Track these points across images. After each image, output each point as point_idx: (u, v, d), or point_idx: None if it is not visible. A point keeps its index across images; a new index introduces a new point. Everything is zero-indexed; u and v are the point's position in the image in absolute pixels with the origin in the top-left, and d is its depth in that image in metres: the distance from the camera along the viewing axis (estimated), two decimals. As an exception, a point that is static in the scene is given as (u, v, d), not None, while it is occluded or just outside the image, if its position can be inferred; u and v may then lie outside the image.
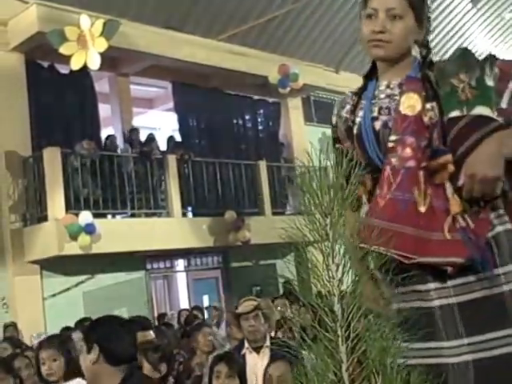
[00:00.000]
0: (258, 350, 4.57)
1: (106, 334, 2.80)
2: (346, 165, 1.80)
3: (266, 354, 4.49)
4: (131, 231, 9.93)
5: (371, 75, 2.27)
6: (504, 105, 2.06)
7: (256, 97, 14.11)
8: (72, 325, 7.66)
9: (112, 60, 11.02)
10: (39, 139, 10.13)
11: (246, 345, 4.64)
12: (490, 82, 2.08)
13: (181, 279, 12.22)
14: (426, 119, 2.05)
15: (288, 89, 12.94)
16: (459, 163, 1.99)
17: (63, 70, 10.44)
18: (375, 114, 2.16)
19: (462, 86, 2.07)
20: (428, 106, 2.07)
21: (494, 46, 16.92)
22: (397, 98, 2.13)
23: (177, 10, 12.22)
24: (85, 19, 8.90)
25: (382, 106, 2.17)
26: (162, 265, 11.34)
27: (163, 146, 12.11)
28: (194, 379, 5.40)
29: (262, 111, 14.31)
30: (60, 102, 10.66)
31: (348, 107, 2.28)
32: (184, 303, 11.55)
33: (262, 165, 12.50)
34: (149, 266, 11.28)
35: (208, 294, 12.34)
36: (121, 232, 9.83)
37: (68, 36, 8.60)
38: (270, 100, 14.31)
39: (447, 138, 2.04)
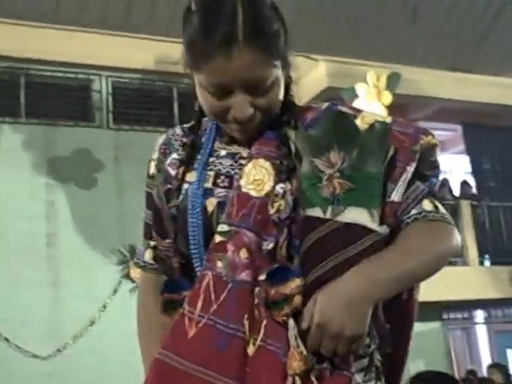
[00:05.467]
0: None
1: None
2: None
3: None
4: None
5: None
6: (396, 197, 1.32)
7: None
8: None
9: (400, 107, 10.99)
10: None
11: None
12: (373, 167, 1.30)
13: (480, 331, 11.59)
14: (272, 210, 1.27)
15: None
16: (308, 292, 1.22)
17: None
18: (209, 183, 1.35)
19: (330, 174, 1.28)
20: (279, 188, 1.29)
21: None
22: (243, 162, 1.34)
23: (463, 50, 11.88)
24: (371, 75, 9.24)
25: (220, 170, 1.37)
26: (459, 315, 10.86)
27: (456, 191, 11.74)
28: None
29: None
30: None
31: (175, 156, 1.44)
32: (485, 357, 10.91)
33: None
34: (445, 317, 10.86)
35: (512, 347, 11.51)
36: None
37: (358, 92, 8.97)
38: None
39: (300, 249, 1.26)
